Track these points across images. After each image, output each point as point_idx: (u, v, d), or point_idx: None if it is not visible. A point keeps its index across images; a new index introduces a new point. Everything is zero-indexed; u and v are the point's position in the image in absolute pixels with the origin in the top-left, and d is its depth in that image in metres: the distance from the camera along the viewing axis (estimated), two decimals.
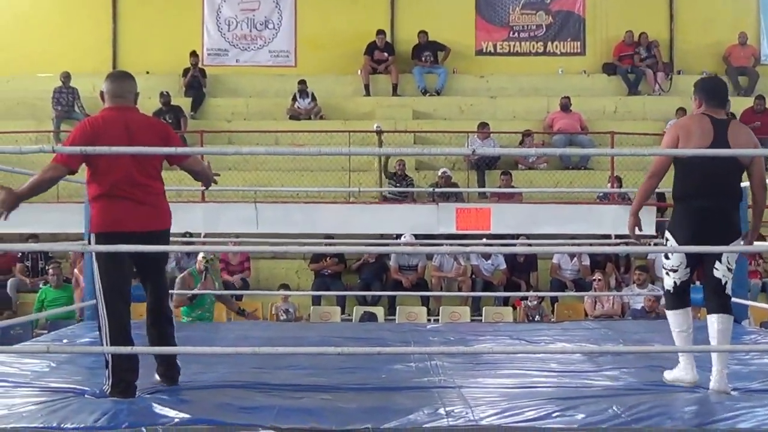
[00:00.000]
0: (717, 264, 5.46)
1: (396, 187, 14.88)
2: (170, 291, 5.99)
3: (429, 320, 12.41)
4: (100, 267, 5.22)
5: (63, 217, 11.66)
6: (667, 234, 5.61)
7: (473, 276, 13.83)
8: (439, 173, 14.98)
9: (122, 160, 5.14)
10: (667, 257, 5.65)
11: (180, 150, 5.31)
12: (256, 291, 13.52)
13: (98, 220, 5.26)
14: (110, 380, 5.13)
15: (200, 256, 10.42)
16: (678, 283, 5.56)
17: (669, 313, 5.63)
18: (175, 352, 5.45)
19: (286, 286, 13.25)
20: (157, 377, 5.48)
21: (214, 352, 5.67)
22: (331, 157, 15.29)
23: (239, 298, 12.62)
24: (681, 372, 5.50)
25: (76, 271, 11.66)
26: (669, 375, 5.59)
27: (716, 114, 5.49)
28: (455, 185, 14.90)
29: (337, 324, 11.73)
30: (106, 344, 5.18)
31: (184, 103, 17.66)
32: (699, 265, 5.59)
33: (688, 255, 5.50)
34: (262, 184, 14.62)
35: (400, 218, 13.45)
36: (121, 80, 5.42)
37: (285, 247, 10.61)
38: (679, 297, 5.58)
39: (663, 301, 7.06)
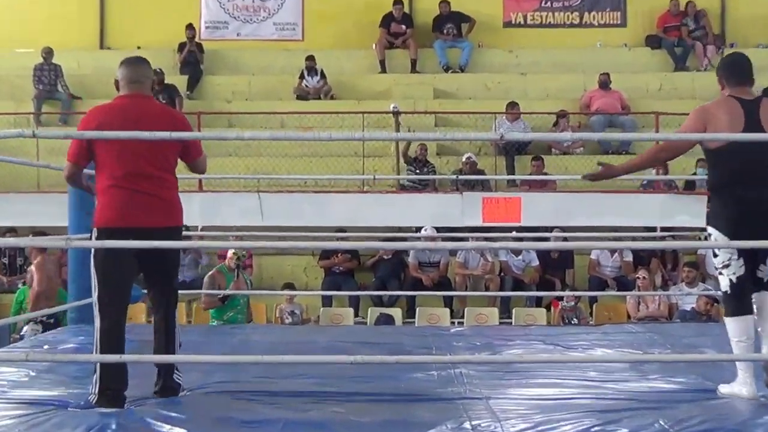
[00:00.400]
0: (761, 266, 5.42)
1: (415, 174, 14.83)
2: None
3: (453, 323, 12.41)
4: (97, 264, 5.26)
5: (44, 210, 11.65)
6: (710, 229, 5.54)
7: (502, 274, 13.81)
8: (464, 159, 14.95)
9: (129, 150, 5.20)
10: (715, 255, 5.59)
11: (176, 134, 5.23)
12: (258, 291, 13.49)
13: (101, 214, 5.31)
14: (96, 386, 5.13)
15: (230, 252, 10.52)
16: (734, 280, 5.45)
17: (727, 320, 5.53)
18: (170, 360, 5.41)
19: (290, 286, 13.21)
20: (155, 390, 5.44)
21: (214, 361, 5.65)
22: (342, 141, 15.28)
23: None
24: (739, 386, 5.42)
25: (32, 268, 11.46)
26: (725, 389, 5.52)
27: (743, 94, 5.44)
28: (481, 172, 14.87)
29: (350, 327, 11.72)
30: (97, 347, 5.19)
31: (180, 81, 17.68)
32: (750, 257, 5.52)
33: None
34: (266, 171, 14.61)
35: (420, 209, 13.46)
36: (137, 65, 5.52)
37: (291, 242, 10.59)
38: (738, 300, 5.46)
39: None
